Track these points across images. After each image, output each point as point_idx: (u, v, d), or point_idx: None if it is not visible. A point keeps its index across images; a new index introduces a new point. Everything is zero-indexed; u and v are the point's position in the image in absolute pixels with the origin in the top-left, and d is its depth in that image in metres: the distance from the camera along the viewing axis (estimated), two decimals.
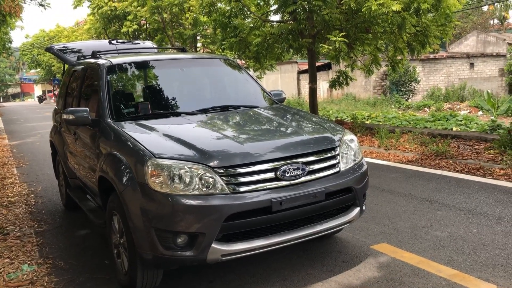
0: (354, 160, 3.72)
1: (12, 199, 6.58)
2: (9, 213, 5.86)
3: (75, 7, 27.26)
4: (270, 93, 4.89)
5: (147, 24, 25.10)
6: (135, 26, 24.91)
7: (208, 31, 21.98)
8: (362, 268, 3.70)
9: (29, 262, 4.20)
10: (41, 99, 57.01)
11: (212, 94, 4.84)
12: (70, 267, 4.10)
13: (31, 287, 3.69)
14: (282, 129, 3.86)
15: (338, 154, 3.56)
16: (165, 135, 3.52)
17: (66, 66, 6.27)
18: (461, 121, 12.24)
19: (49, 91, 63.35)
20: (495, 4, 43.27)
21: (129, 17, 24.83)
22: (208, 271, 3.78)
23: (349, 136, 3.80)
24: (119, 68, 4.61)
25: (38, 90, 72.02)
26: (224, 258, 3.10)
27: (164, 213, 3.04)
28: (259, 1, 12.13)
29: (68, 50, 6.46)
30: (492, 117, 12.51)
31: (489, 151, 7.74)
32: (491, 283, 3.31)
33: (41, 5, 12.77)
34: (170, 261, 3.13)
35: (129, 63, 4.71)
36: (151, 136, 3.54)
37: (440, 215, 4.86)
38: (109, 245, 3.81)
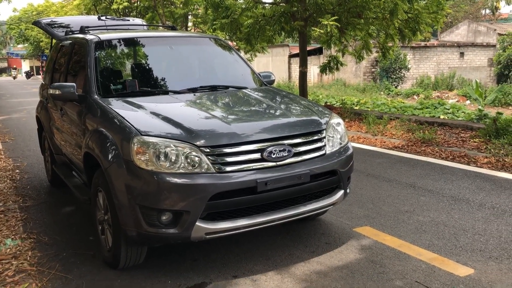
0: (340, 144, 3.74)
1: None
2: None
3: None
4: (260, 74, 4.88)
5: (138, 2, 24.74)
6: (125, 3, 24.51)
7: (199, 10, 21.74)
8: (344, 249, 3.76)
9: (12, 237, 4.20)
10: (28, 74, 56.20)
11: (201, 74, 4.81)
12: (54, 243, 4.11)
13: (14, 261, 3.69)
14: (269, 110, 3.86)
15: (324, 137, 3.58)
16: (152, 113, 3.50)
17: (54, 41, 6.18)
18: (448, 109, 12.36)
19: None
20: None
21: None
22: (192, 249, 3.81)
23: (336, 120, 3.81)
24: (107, 44, 4.55)
25: (25, 65, 70.90)
26: (208, 236, 3.13)
27: (149, 191, 3.04)
28: None
29: (56, 25, 6.35)
30: (479, 107, 12.65)
31: (474, 140, 7.83)
32: (469, 267, 3.39)
33: None
34: (154, 238, 3.14)
35: (118, 40, 4.65)
36: (138, 114, 3.52)
37: (423, 200, 4.93)
38: (94, 221, 3.81)
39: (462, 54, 26.09)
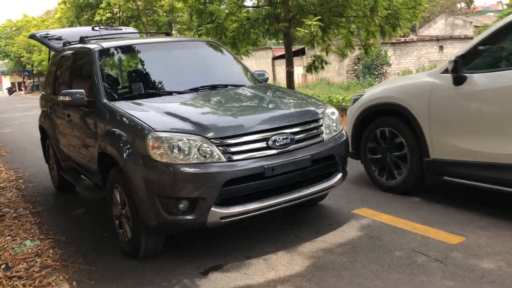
0: (335, 131, 4.05)
1: (1, 185, 6.71)
2: (0, 197, 6.01)
3: None
4: (254, 73, 5.18)
5: (121, 12, 24.92)
6: (108, 14, 24.72)
7: (184, 17, 22.00)
8: (346, 229, 4.06)
9: (31, 238, 4.41)
10: (10, 91, 55.77)
11: (200, 75, 5.07)
12: (72, 241, 4.34)
13: (38, 258, 3.91)
14: (270, 104, 4.16)
15: (321, 125, 3.89)
16: (161, 111, 3.76)
17: (52, 53, 6.39)
18: None
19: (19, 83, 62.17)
20: None
21: (102, 5, 24.63)
22: (207, 237, 4.08)
23: (330, 109, 4.13)
24: (110, 52, 4.79)
25: (6, 81, 70.26)
26: (223, 220, 3.40)
27: (166, 181, 3.31)
28: None
29: (51, 37, 6.58)
30: None
31: None
32: (461, 236, 3.72)
33: None
34: (173, 225, 3.41)
35: (120, 47, 4.90)
36: (148, 113, 3.78)
37: None
38: (111, 217, 4.05)
39: (441, 47, 26.72)
